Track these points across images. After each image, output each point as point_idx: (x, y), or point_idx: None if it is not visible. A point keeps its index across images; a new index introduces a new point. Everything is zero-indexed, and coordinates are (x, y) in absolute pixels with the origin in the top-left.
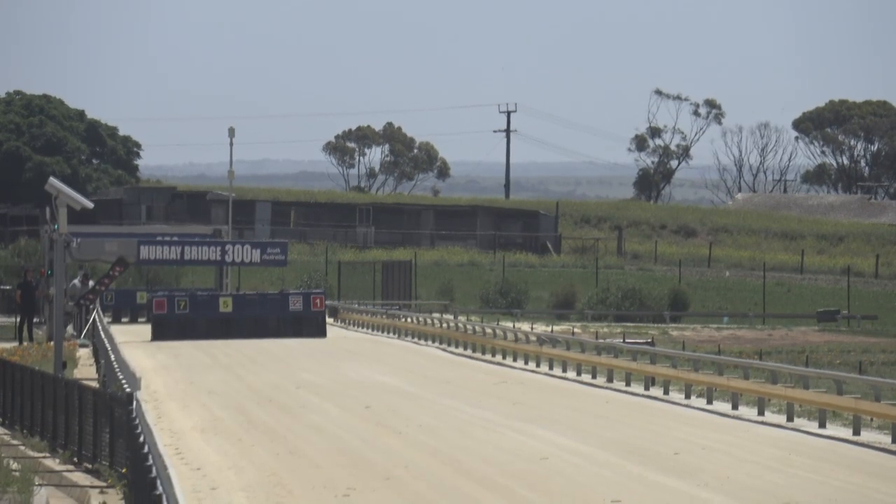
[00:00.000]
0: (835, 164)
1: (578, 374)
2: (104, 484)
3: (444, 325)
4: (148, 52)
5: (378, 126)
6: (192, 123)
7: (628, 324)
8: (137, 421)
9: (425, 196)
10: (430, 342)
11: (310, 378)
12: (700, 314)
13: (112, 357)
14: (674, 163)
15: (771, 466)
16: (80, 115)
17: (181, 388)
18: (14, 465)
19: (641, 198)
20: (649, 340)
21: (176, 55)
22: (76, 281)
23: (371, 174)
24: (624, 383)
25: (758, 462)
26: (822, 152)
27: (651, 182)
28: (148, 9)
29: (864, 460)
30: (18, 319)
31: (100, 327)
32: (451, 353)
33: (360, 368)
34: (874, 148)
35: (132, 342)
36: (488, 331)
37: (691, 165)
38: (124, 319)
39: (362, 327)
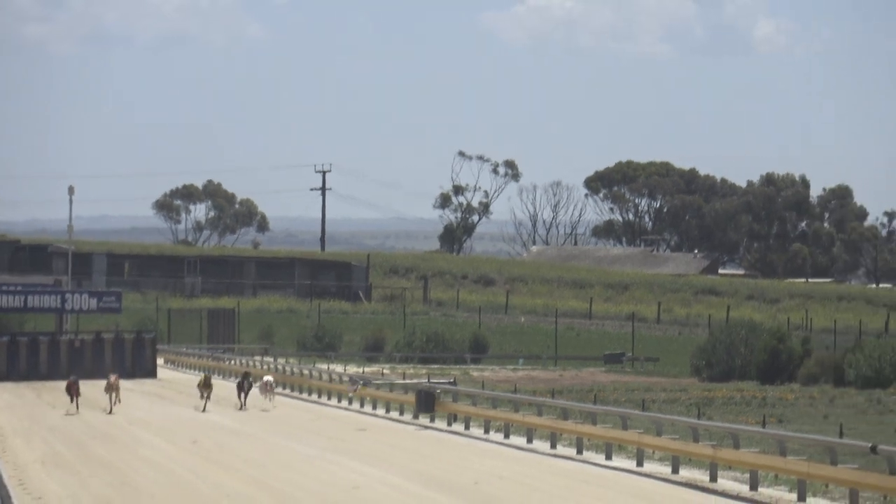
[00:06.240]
0: (621, 219)
1: (388, 411)
2: None
3: (265, 366)
4: None
5: (201, 184)
6: (36, 181)
7: (433, 365)
8: None
9: (247, 249)
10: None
11: (141, 416)
12: (498, 356)
13: None
14: (475, 218)
15: (561, 495)
16: None
17: (24, 426)
18: None
19: (445, 250)
20: (452, 380)
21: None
22: None
23: (197, 228)
24: (429, 420)
25: (549, 491)
26: (611, 209)
27: (454, 236)
28: None
29: (646, 489)
30: None
31: None
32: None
33: (187, 407)
34: (657, 205)
35: None
36: (305, 372)
37: (491, 220)
38: None
39: (191, 369)
